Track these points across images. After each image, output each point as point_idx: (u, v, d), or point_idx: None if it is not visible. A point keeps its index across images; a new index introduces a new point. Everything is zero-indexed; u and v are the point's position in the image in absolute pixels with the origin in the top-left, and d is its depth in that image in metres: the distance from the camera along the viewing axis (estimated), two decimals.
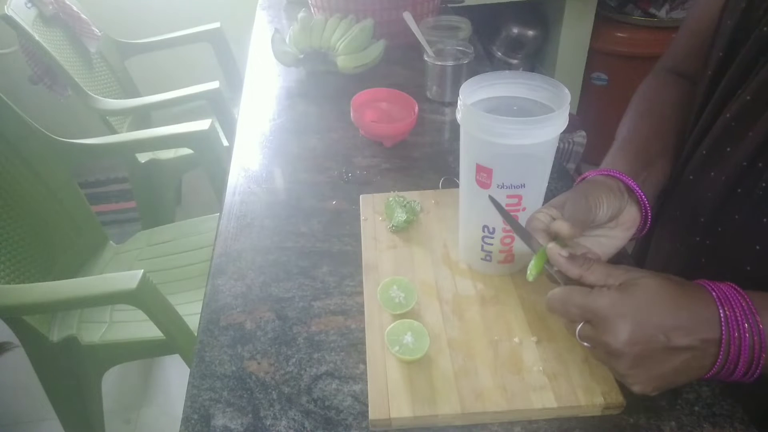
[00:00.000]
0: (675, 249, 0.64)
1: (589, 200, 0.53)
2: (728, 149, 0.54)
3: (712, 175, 0.56)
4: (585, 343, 0.48)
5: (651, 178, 0.60)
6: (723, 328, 0.44)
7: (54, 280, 1.17)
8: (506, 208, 0.58)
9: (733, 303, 0.44)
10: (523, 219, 0.59)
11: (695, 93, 0.62)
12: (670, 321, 0.44)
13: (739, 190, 0.53)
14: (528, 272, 0.52)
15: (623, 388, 0.52)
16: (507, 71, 0.58)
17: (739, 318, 0.43)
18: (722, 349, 0.44)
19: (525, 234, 0.54)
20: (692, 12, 0.69)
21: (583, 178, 0.60)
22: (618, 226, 0.57)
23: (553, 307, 0.50)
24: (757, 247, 0.52)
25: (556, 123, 0.53)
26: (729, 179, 0.54)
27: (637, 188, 0.57)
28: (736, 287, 0.45)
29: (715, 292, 0.45)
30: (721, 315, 0.44)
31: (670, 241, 0.65)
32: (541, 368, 0.54)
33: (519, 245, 0.62)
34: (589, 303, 0.47)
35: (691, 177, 0.60)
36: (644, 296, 0.45)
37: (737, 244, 0.55)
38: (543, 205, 0.56)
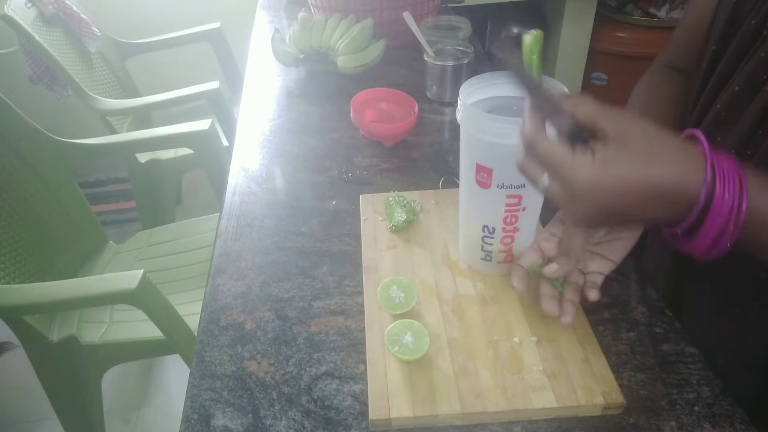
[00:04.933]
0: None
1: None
2: (719, 139, 0.55)
3: None
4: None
5: None
6: (707, 175, 0.40)
7: (54, 280, 1.17)
8: (506, 208, 0.58)
9: (725, 171, 0.41)
10: (523, 219, 0.59)
11: (691, 85, 0.63)
12: (646, 212, 0.42)
13: None
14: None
15: (623, 388, 0.52)
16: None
17: (726, 177, 0.40)
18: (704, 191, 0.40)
19: (542, 95, 0.48)
20: (689, 8, 0.71)
21: None
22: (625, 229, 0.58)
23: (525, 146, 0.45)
24: None
25: None
26: None
27: None
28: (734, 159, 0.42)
29: (709, 154, 0.41)
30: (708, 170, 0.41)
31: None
32: (541, 368, 0.54)
33: (519, 245, 0.62)
34: (567, 170, 0.42)
35: None
36: (621, 184, 0.41)
37: None
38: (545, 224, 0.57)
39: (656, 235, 0.67)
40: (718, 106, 0.55)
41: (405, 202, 0.73)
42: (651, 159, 0.41)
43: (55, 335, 1.12)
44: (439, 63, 1.02)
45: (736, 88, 0.53)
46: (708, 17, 0.61)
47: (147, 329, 1.04)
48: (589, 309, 0.60)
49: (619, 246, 0.58)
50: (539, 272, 0.57)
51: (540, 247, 0.59)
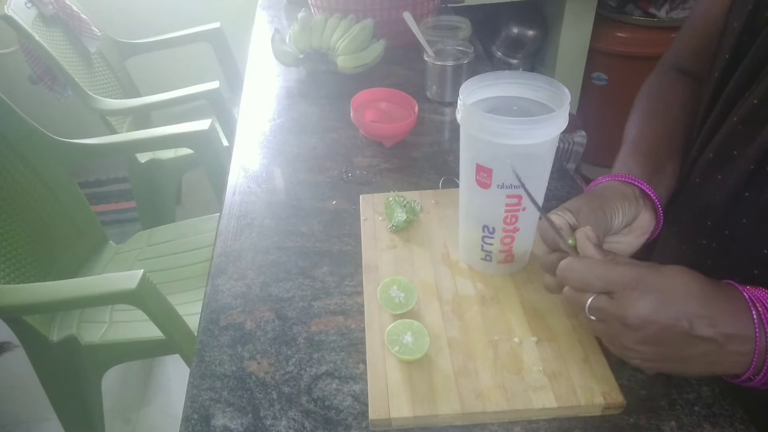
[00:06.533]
0: (681, 251, 0.63)
1: (606, 212, 0.54)
2: (735, 152, 0.54)
3: (719, 178, 0.56)
4: (591, 316, 0.47)
5: (663, 182, 0.60)
6: (757, 327, 0.43)
7: (54, 280, 1.17)
8: (506, 208, 0.58)
9: (766, 304, 0.44)
10: (523, 219, 0.59)
11: (701, 92, 0.62)
12: (696, 308, 0.43)
13: (746, 194, 0.53)
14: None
15: (623, 388, 0.52)
16: (507, 71, 0.58)
17: None
18: (757, 351, 0.43)
19: (542, 211, 0.53)
20: (696, 10, 0.69)
21: (598, 182, 0.60)
22: (631, 232, 0.57)
23: (568, 277, 0.48)
24: (765, 251, 0.52)
25: (556, 123, 0.53)
26: (736, 183, 0.53)
27: (654, 195, 0.57)
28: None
29: (746, 292, 0.45)
30: (754, 314, 0.43)
31: (676, 243, 0.64)
32: (541, 368, 0.54)
33: (519, 245, 0.62)
34: (616, 273, 0.45)
35: (697, 180, 0.59)
36: (673, 279, 0.45)
37: (744, 247, 0.54)
38: (556, 208, 0.56)
39: (667, 238, 0.66)
40: (735, 118, 0.53)
41: (405, 202, 0.73)
42: (691, 289, 0.45)
43: (55, 335, 1.13)
44: (439, 63, 1.02)
45: (755, 101, 0.51)
46: (718, 21, 0.58)
47: (147, 329, 1.04)
48: None
49: (618, 249, 0.57)
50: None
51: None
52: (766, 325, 0.43)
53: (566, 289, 0.49)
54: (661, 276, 0.45)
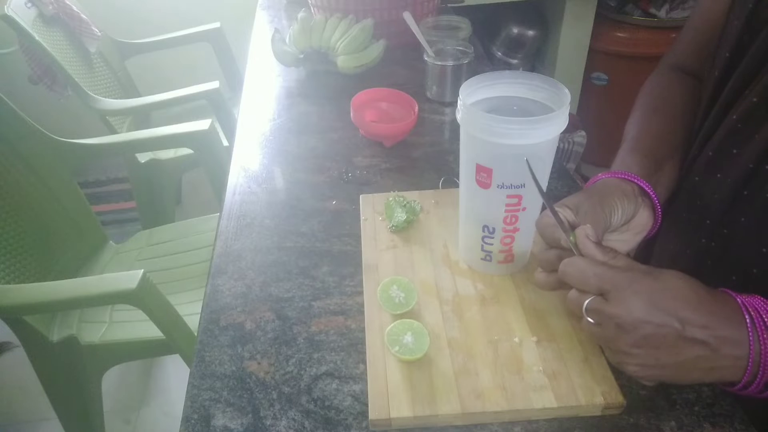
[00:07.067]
0: (680, 250, 0.63)
1: (605, 209, 0.54)
2: (734, 151, 0.54)
3: (719, 177, 0.56)
4: (589, 318, 0.48)
5: (662, 180, 0.60)
6: (750, 331, 0.43)
7: (54, 280, 1.17)
8: (506, 208, 0.58)
9: (759, 310, 0.44)
10: (523, 219, 0.59)
11: (702, 91, 0.62)
12: (688, 311, 0.44)
13: (745, 193, 0.53)
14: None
15: (623, 388, 0.52)
16: (507, 71, 0.58)
17: (766, 323, 0.43)
18: (751, 355, 0.43)
19: (551, 206, 0.53)
20: (697, 9, 0.69)
21: (597, 179, 0.60)
22: (629, 230, 0.57)
23: (568, 273, 0.49)
24: (764, 250, 0.52)
25: (556, 123, 0.53)
26: (735, 181, 0.53)
27: (652, 192, 0.57)
28: (763, 298, 0.45)
29: (740, 298, 0.45)
30: (747, 318, 0.43)
31: (676, 243, 0.64)
32: (541, 368, 0.54)
33: (519, 245, 0.62)
34: (611, 273, 0.46)
35: (697, 178, 0.59)
36: (668, 283, 0.45)
37: (744, 246, 0.54)
38: (555, 204, 0.55)
39: (667, 238, 0.66)
40: (734, 117, 0.53)
41: (405, 202, 0.73)
42: (684, 293, 0.45)
43: (55, 335, 1.13)
44: (439, 63, 1.02)
45: (754, 99, 0.51)
46: (718, 20, 0.59)
47: (147, 329, 1.04)
48: None
49: (615, 247, 0.57)
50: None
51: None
52: (759, 330, 0.43)
53: (571, 291, 0.50)
54: (654, 278, 0.46)
